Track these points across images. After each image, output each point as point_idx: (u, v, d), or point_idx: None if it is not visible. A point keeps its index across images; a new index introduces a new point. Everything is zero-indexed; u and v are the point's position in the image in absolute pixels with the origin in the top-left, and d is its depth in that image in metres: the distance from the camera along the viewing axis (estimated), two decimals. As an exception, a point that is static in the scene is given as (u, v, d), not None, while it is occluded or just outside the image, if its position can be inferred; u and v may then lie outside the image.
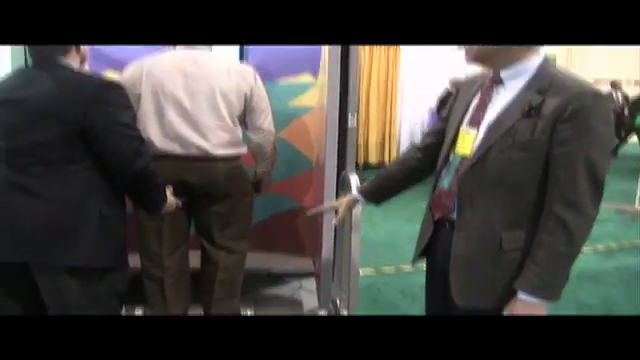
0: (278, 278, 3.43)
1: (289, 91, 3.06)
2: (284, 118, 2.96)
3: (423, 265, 1.80)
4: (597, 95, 1.42)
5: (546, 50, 1.54)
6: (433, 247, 1.71)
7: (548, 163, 1.44)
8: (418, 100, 8.53)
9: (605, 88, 9.36)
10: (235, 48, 2.96)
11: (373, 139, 8.63)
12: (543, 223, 1.45)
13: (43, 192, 1.69)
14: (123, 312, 2.18)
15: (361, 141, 8.33)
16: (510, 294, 1.49)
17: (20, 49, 2.51)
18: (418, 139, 1.93)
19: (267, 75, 2.74)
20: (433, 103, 7.90)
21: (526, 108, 1.45)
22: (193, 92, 2.20)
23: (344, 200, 2.10)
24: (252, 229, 2.52)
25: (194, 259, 2.46)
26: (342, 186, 2.65)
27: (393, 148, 8.71)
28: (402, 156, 2.00)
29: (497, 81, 1.55)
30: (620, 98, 10.61)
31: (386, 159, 8.59)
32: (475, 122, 1.58)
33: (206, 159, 2.24)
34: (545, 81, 1.47)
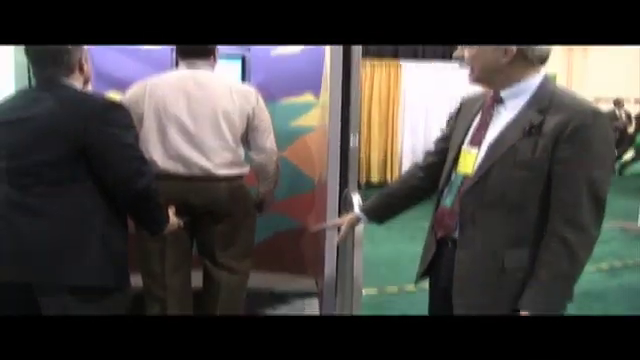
0: (280, 298, 3.40)
1: (291, 111, 3.07)
2: (286, 138, 2.97)
3: (426, 284, 1.79)
4: (596, 113, 1.43)
5: (546, 69, 1.55)
6: (436, 266, 1.70)
7: (550, 181, 1.44)
8: (420, 118, 8.53)
9: (605, 106, 9.36)
10: (237, 68, 2.97)
11: (375, 157, 8.60)
12: (546, 242, 1.44)
13: (45, 212, 1.69)
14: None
15: (363, 159, 8.26)
16: (513, 313, 1.47)
17: (24, 69, 2.51)
18: (420, 158, 1.93)
19: (269, 95, 2.75)
20: (434, 122, 7.89)
21: (527, 127, 1.46)
22: (196, 113, 2.21)
23: (347, 218, 2.10)
24: (254, 249, 2.51)
25: (196, 279, 2.45)
26: (344, 205, 2.65)
27: (395, 167, 8.66)
28: (404, 175, 2.00)
29: (498, 100, 1.56)
30: (623, 115, 10.65)
31: (388, 178, 8.53)
32: (476, 141, 1.58)
33: (209, 179, 2.24)
34: (545, 99, 1.47)
